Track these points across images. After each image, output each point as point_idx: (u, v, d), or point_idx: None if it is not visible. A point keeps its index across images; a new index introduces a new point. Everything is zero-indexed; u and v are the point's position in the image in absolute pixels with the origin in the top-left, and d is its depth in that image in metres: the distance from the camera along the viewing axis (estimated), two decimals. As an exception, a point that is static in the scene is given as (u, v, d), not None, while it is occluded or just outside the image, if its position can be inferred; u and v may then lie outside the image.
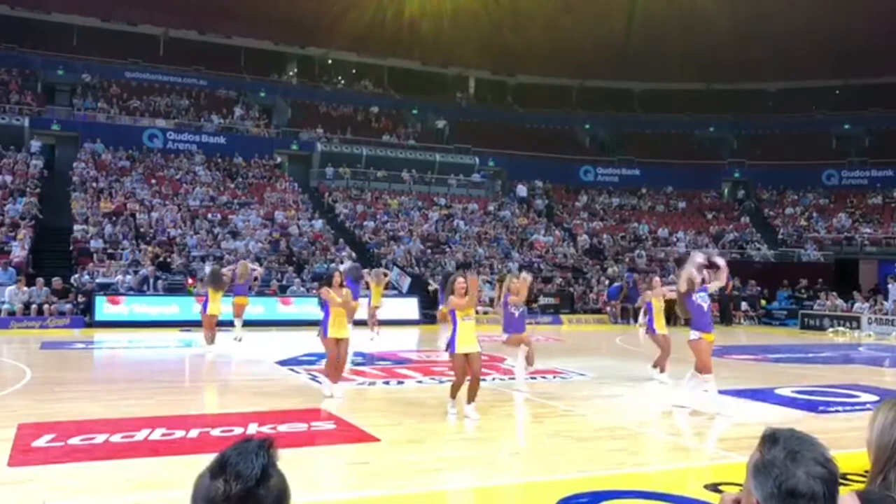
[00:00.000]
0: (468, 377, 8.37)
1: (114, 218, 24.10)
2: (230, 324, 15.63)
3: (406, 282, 23.41)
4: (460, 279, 8.43)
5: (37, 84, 32.70)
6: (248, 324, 16.10)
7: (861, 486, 2.25)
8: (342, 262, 21.51)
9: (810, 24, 35.66)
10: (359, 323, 15.88)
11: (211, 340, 14.13)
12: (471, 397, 8.37)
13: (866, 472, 2.29)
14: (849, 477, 5.37)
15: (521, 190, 34.90)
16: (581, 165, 37.80)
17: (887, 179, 34.77)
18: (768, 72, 38.71)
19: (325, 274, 10.30)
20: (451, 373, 9.37)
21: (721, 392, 10.13)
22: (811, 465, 1.70)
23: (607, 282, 26.17)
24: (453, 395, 8.42)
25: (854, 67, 36.91)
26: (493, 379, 10.80)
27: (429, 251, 26.95)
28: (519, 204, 34.05)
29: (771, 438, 1.77)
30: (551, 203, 35.04)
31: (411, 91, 39.33)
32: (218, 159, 30.66)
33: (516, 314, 10.17)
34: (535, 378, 10.92)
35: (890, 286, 23.36)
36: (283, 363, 12.71)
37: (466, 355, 8.31)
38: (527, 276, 11.11)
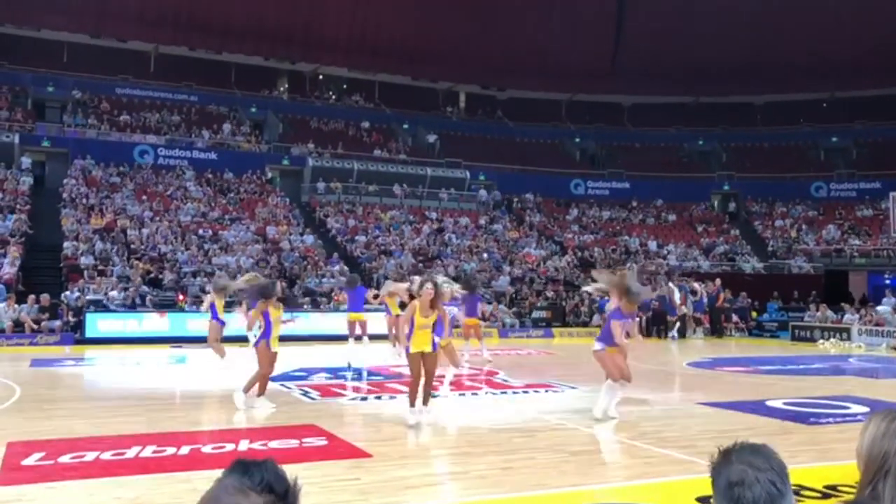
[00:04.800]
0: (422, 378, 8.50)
1: (104, 234, 24.03)
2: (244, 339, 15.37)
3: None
4: (429, 286, 8.48)
5: (27, 100, 32.66)
6: (235, 339, 15.63)
7: (850, 497, 2.26)
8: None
9: (797, 37, 36.05)
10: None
11: (222, 354, 13.92)
12: (425, 399, 8.53)
13: (857, 483, 2.30)
14: (839, 489, 5.39)
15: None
16: (571, 179, 37.94)
17: (875, 191, 35.03)
18: (756, 85, 39.04)
19: (269, 284, 10.32)
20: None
21: (712, 404, 10.17)
22: (743, 456, 1.83)
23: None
24: (412, 403, 8.46)
25: (841, 80, 37.27)
26: (486, 393, 10.78)
27: (420, 265, 26.94)
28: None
29: (719, 452, 1.90)
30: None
31: (402, 106, 39.48)
32: (209, 175, 30.63)
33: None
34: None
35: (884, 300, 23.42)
36: (273, 379, 12.60)
37: (422, 354, 8.40)
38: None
